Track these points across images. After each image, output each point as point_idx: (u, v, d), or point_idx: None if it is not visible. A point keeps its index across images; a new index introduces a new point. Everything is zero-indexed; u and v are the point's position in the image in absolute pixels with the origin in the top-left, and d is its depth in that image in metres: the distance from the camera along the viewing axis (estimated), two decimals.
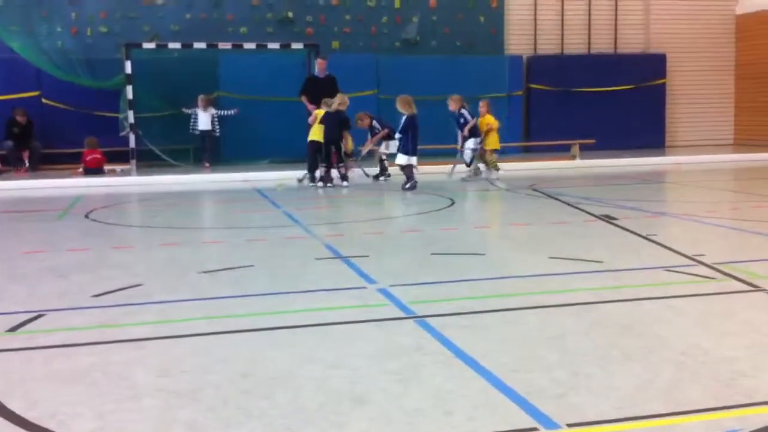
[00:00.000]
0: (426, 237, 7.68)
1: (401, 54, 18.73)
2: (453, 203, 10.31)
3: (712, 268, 5.84)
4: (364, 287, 5.53)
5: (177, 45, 16.25)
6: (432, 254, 6.70)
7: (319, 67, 15.28)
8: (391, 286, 5.50)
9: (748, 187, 12.52)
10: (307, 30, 18.34)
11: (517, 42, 19.97)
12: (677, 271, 5.80)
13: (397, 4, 18.82)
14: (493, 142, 13.71)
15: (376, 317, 4.74)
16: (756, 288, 5.25)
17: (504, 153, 17.62)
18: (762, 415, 3.15)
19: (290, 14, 18.23)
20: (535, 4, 19.96)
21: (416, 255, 6.76)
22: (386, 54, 18.51)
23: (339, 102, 12.76)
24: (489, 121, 13.63)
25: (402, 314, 4.80)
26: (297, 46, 16.62)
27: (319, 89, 14.57)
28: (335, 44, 18.41)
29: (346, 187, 12.64)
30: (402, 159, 12.14)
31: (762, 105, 20.72)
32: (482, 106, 13.73)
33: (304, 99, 14.81)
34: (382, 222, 8.86)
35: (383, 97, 17.78)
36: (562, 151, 17.29)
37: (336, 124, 12.70)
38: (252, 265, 6.40)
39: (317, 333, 4.47)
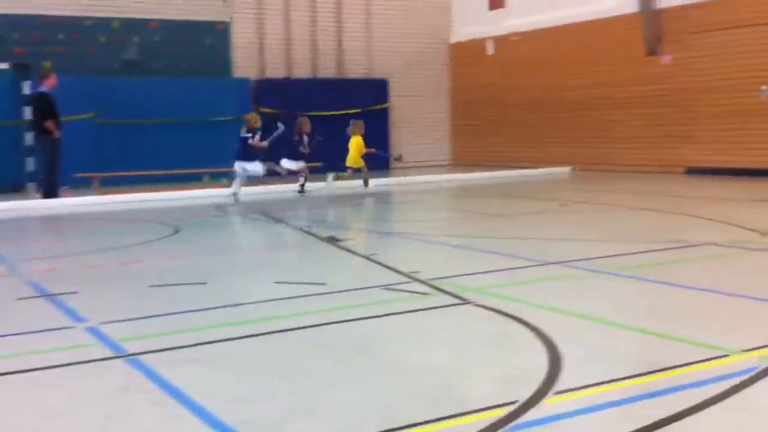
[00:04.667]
0: (146, 268, 7.29)
1: (123, 75, 17.93)
2: (178, 230, 9.94)
3: (427, 284, 6.08)
4: (71, 327, 5.08)
5: None
6: (150, 286, 6.34)
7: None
8: (102, 323, 5.11)
9: (463, 205, 13.38)
10: (15, 49, 16.93)
11: (245, 64, 19.93)
12: (395, 289, 5.96)
13: (115, 24, 17.99)
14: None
15: (83, 359, 4.35)
16: (465, 301, 5.51)
17: (231, 178, 17.48)
18: (472, 423, 3.26)
19: None
20: (262, 27, 20.05)
21: (133, 288, 6.36)
22: (106, 75, 17.62)
23: None
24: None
25: (112, 353, 4.46)
26: (3, 66, 15.27)
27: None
28: (47, 65, 17.18)
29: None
30: None
31: (473, 128, 22.39)
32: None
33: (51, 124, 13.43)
34: (99, 254, 8.30)
35: (102, 121, 16.91)
36: (292, 175, 17.38)
37: None
38: None
39: (14, 382, 4.01)
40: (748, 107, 15.95)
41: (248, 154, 13.17)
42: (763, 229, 8.59)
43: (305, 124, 14.15)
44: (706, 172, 16.58)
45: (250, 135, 13.20)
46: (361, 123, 14.98)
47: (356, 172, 14.79)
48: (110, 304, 5.74)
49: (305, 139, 14.08)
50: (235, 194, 13.26)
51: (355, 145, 14.61)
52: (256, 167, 13.24)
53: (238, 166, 13.22)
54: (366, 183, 14.84)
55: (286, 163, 14.08)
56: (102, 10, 17.93)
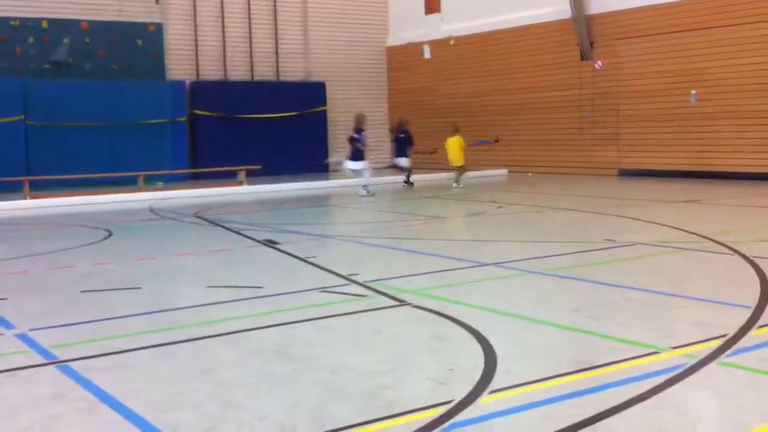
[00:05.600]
0: (77, 273, 7.13)
1: (52, 78, 17.51)
2: (110, 235, 9.75)
3: (365, 286, 6.08)
4: (0, 334, 4.95)
5: None
6: (82, 292, 6.21)
7: None
8: (32, 330, 4.99)
9: (402, 207, 13.42)
10: None
11: (179, 67, 19.66)
12: (332, 292, 5.95)
13: (44, 25, 17.56)
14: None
15: (12, 366, 4.24)
16: (402, 303, 5.54)
17: (169, 180, 17.25)
18: (407, 424, 3.28)
19: None
20: (196, 29, 19.82)
21: (64, 294, 6.22)
22: (35, 77, 17.19)
23: None
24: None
25: (42, 360, 4.35)
26: None
27: None
28: None
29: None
30: None
31: (411, 130, 22.42)
32: None
33: None
34: (29, 259, 8.09)
35: (32, 123, 16.50)
36: (230, 177, 17.26)
37: None
38: None
39: None
40: (679, 111, 16.39)
41: (358, 153, 14.37)
42: (691, 228, 8.84)
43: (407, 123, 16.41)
44: (638, 174, 16.97)
45: (358, 135, 14.34)
46: (458, 125, 16.30)
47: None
48: (40, 311, 5.61)
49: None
50: (366, 186, 14.31)
51: (458, 144, 15.70)
52: (364, 165, 14.45)
53: (350, 165, 14.42)
54: (458, 181, 15.68)
55: (401, 162, 16.32)
56: (30, 11, 17.50)
